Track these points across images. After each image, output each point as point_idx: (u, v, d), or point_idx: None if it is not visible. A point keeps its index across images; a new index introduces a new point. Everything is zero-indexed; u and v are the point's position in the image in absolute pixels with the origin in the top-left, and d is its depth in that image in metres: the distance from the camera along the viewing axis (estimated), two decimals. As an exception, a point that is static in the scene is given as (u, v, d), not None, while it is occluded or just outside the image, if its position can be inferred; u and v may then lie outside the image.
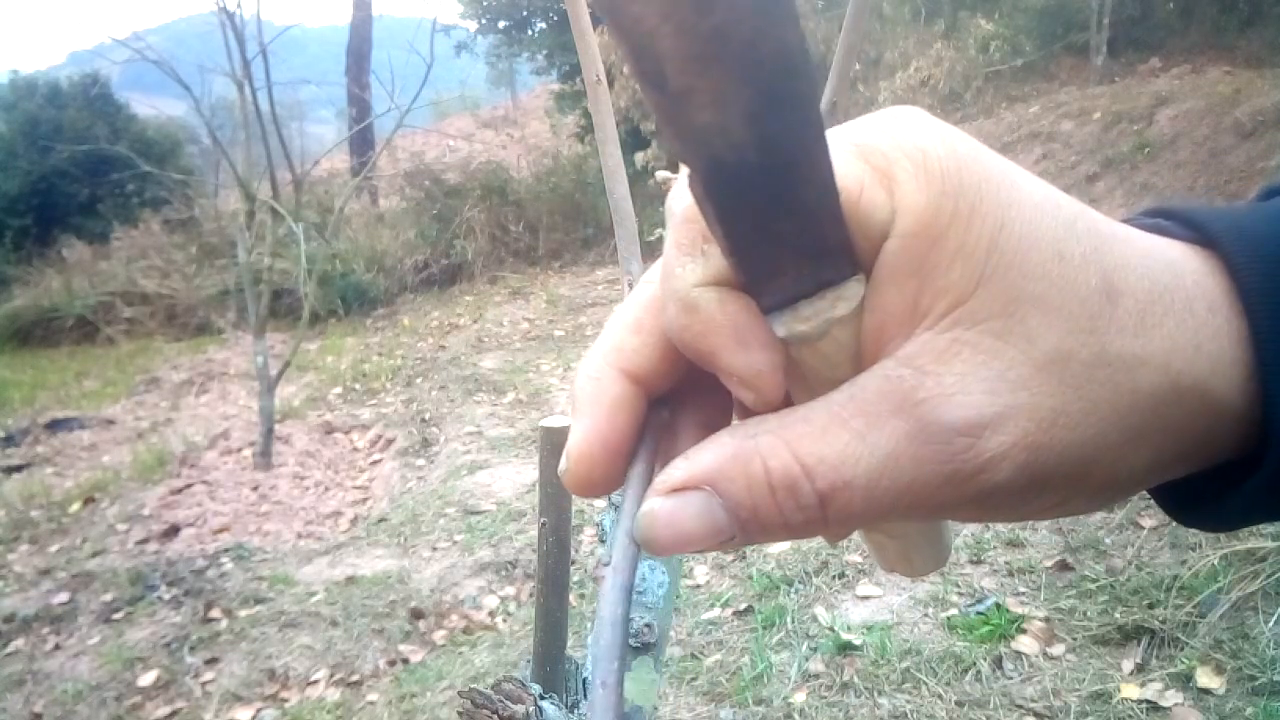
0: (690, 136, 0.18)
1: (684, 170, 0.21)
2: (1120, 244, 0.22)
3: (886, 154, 0.21)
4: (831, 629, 2.42)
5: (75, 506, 4.64)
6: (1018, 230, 0.20)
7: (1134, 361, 0.21)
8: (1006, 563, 2.58)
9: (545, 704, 1.38)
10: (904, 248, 0.21)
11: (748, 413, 0.23)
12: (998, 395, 0.20)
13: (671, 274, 0.22)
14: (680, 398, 0.25)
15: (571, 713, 1.42)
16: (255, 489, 4.64)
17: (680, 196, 0.22)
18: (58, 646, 3.19)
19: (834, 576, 2.67)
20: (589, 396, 0.24)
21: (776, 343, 0.22)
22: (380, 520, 4.10)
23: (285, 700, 2.74)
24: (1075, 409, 0.21)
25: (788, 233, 0.20)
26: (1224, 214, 0.24)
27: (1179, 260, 0.23)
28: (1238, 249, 0.23)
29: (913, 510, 0.21)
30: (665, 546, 0.22)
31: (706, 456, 0.22)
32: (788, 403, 0.23)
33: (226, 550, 3.82)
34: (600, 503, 3.44)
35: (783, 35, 0.16)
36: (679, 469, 0.22)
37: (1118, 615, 2.23)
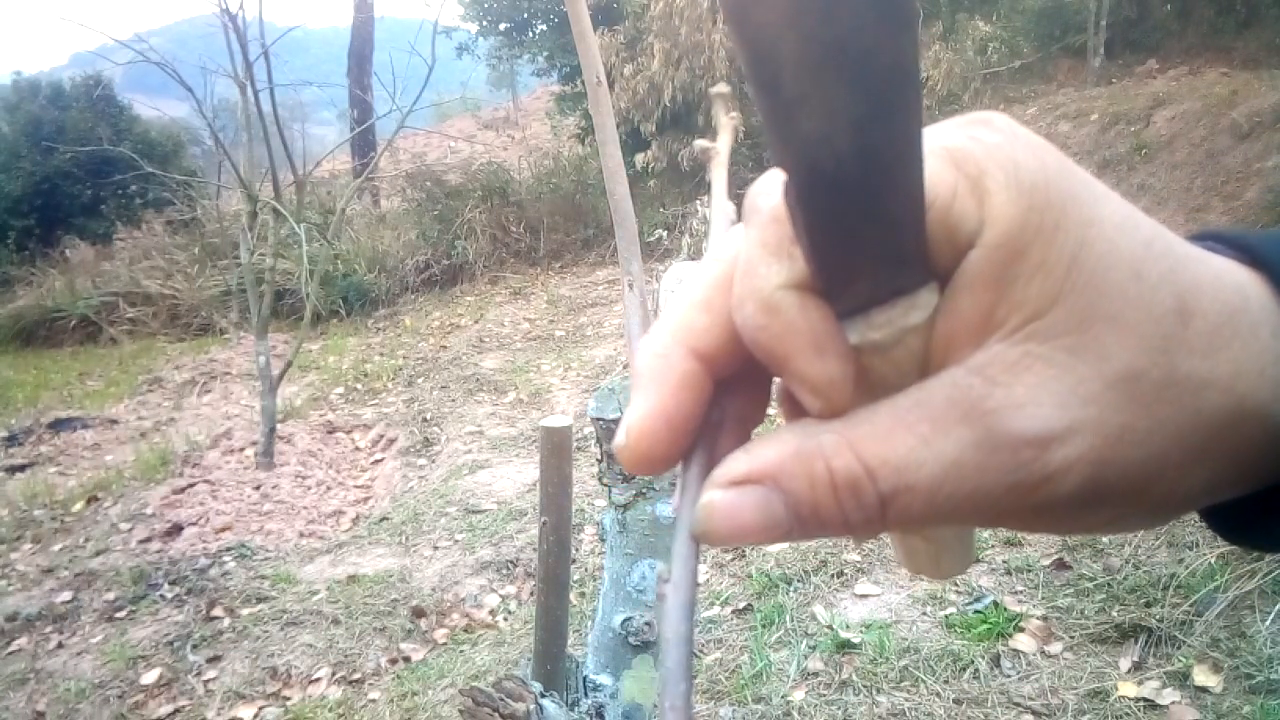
0: (794, 143, 0.18)
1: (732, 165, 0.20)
2: (1194, 264, 0.22)
3: (980, 163, 0.21)
4: (830, 627, 2.43)
5: (78, 506, 4.65)
6: (1098, 248, 0.21)
7: (1201, 383, 0.21)
8: (1004, 561, 2.58)
9: (546, 702, 1.39)
10: (987, 258, 0.21)
11: (797, 411, 0.23)
12: (1067, 409, 0.20)
13: (755, 272, 0.22)
14: (726, 387, 0.25)
15: (571, 710, 1.44)
16: (257, 488, 4.65)
17: (766, 193, 0.22)
18: (61, 645, 3.21)
19: (833, 575, 2.69)
20: (654, 372, 0.23)
21: (850, 352, 0.22)
22: (382, 519, 4.11)
23: (287, 698, 2.76)
24: (1141, 426, 0.21)
25: (872, 240, 0.20)
26: (1275, 240, 0.24)
27: (1246, 284, 0.23)
28: None
29: (971, 517, 0.22)
30: (722, 538, 0.22)
31: (769, 452, 0.22)
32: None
33: (229, 549, 3.83)
34: (600, 502, 3.45)
35: (900, 45, 0.16)
36: (740, 462, 0.22)
37: (1115, 613, 2.24)
